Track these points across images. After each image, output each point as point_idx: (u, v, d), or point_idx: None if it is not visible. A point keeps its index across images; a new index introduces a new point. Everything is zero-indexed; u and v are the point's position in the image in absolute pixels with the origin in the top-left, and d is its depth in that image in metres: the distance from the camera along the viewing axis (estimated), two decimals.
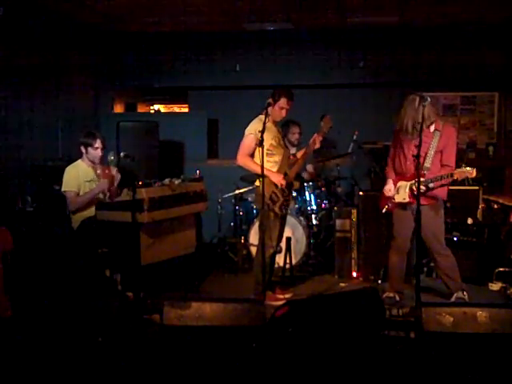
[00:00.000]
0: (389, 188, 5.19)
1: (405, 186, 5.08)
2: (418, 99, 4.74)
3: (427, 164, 4.96)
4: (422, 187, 4.81)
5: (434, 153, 4.96)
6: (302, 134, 6.89)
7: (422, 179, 4.80)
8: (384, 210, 5.25)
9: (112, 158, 5.30)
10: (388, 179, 5.24)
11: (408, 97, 4.86)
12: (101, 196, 5.51)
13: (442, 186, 4.99)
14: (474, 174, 4.67)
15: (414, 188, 4.88)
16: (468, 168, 4.69)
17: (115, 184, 5.55)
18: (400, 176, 5.15)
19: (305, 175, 7.17)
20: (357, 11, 7.28)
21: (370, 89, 8.45)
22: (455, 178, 4.75)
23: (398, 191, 5.13)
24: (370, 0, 6.76)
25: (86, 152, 5.62)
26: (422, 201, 4.84)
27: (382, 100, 8.24)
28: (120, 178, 5.59)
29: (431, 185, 4.90)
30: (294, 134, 6.95)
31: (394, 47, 8.17)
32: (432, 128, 4.97)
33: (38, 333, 4.47)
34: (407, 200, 5.05)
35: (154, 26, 8.01)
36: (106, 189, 5.46)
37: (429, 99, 4.64)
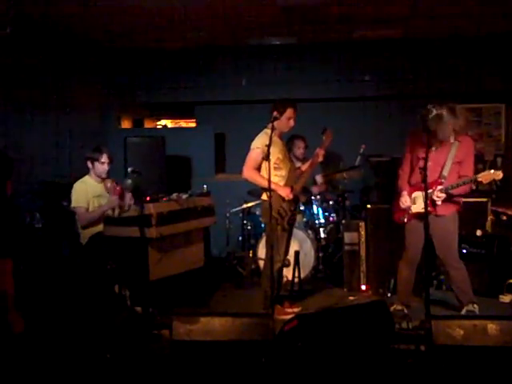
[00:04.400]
0: (404, 199, 5.14)
1: (421, 196, 5.04)
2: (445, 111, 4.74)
3: (445, 173, 4.96)
4: (442, 194, 4.84)
5: (451, 163, 4.96)
6: (308, 148, 6.90)
7: (440, 187, 4.86)
8: (405, 220, 5.19)
9: (129, 181, 5.29)
10: (402, 191, 5.21)
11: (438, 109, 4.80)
12: (110, 212, 5.51)
13: (461, 195, 5.01)
14: (501, 175, 4.68)
15: (432, 197, 4.88)
16: (492, 170, 4.70)
17: (126, 207, 5.51)
18: (415, 187, 5.12)
19: (314, 189, 7.16)
20: (361, 25, 7.31)
21: (376, 102, 8.46)
22: (480, 180, 4.76)
23: (415, 202, 5.10)
24: (374, 13, 6.79)
25: (93, 167, 5.64)
26: (441, 211, 4.91)
27: (388, 113, 8.26)
28: (132, 203, 5.53)
29: (451, 191, 4.90)
30: (300, 149, 6.97)
31: (398, 60, 8.17)
32: (452, 138, 4.97)
33: (49, 348, 4.47)
34: None
35: (159, 42, 8.06)
36: (116, 205, 5.46)
37: (434, 111, 4.66)
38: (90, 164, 5.65)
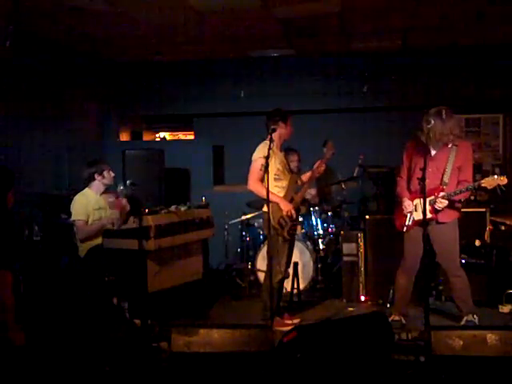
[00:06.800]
0: (407, 204, 5.11)
1: (422, 203, 5.01)
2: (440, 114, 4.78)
3: (446, 179, 4.95)
4: (445, 201, 4.84)
5: (451, 168, 4.95)
6: (303, 160, 6.89)
7: (443, 193, 4.87)
8: (405, 229, 5.18)
9: (122, 187, 5.31)
10: (403, 198, 5.17)
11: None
12: (109, 226, 5.50)
13: (461, 201, 5.01)
14: (506, 180, 4.65)
15: (435, 204, 4.88)
16: (496, 176, 4.69)
17: (123, 214, 5.54)
18: (415, 194, 5.11)
19: (311, 200, 7.16)
20: (359, 36, 7.35)
21: (375, 113, 8.48)
22: (484, 186, 4.73)
23: (416, 209, 5.08)
24: (373, 25, 6.83)
25: (103, 177, 5.57)
26: (442, 218, 4.92)
27: (388, 124, 8.28)
28: (129, 208, 5.56)
29: (454, 197, 4.89)
30: (293, 162, 6.91)
31: (396, 71, 8.21)
32: (450, 143, 4.98)
33: (49, 361, 4.46)
34: (428, 216, 4.97)
35: (158, 55, 8.09)
36: (116, 219, 5.46)
37: (432, 121, 4.68)
38: (97, 176, 5.57)
